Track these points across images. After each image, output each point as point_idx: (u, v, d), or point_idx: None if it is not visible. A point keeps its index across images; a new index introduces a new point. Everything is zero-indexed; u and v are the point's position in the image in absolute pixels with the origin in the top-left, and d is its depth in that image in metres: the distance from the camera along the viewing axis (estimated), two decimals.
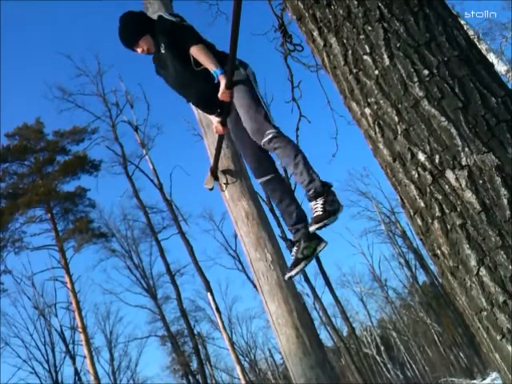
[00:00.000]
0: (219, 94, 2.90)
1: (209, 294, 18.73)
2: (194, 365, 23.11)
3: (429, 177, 1.47)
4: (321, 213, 2.60)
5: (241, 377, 19.53)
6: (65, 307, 22.40)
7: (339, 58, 1.69)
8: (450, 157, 1.44)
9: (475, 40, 11.18)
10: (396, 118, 1.54)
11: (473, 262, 1.39)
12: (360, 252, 35.78)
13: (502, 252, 1.34)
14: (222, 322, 18.90)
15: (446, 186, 1.44)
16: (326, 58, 1.77)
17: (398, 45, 1.56)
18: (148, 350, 60.86)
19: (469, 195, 1.40)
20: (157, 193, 22.07)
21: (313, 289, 20.85)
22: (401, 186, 1.57)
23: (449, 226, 1.44)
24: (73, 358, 21.44)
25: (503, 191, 1.36)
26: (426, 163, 1.48)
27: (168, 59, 3.11)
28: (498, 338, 1.36)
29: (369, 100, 1.61)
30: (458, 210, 1.42)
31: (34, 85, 41.65)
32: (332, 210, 2.61)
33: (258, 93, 2.96)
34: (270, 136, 2.75)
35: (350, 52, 1.65)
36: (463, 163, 1.41)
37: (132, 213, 28.64)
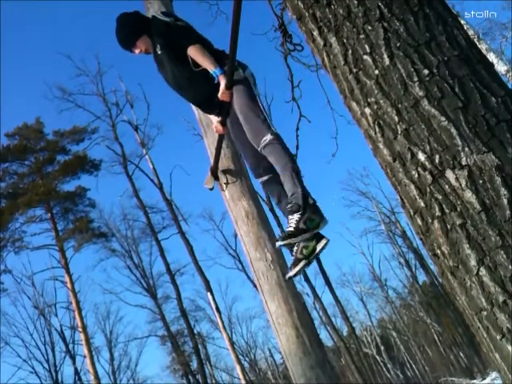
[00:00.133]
0: (219, 94, 2.90)
1: (209, 293, 18.74)
2: (194, 364, 23.14)
3: (429, 177, 1.47)
4: (292, 229, 2.60)
5: (241, 376, 19.54)
6: (65, 307, 22.43)
7: (339, 57, 1.69)
8: (450, 157, 1.43)
9: (475, 40, 11.18)
10: (396, 118, 1.54)
11: (473, 262, 1.39)
12: (360, 252, 35.78)
13: (502, 252, 1.34)
14: (222, 322, 18.91)
15: (446, 186, 1.44)
16: (325, 58, 1.77)
17: (398, 44, 1.56)
18: (148, 350, 60.93)
19: (469, 195, 1.40)
20: (157, 192, 22.09)
21: (313, 288, 20.85)
22: (401, 186, 1.57)
23: (449, 226, 1.44)
24: (73, 358, 21.45)
25: (503, 191, 1.36)
26: (426, 163, 1.48)
27: (164, 60, 3.10)
28: (498, 337, 1.36)
29: (369, 100, 1.61)
30: (458, 209, 1.41)
31: (34, 85, 41.69)
32: (304, 229, 2.60)
33: (256, 94, 2.96)
34: (265, 143, 2.76)
35: (349, 52, 1.65)
36: (463, 163, 1.41)
37: (132, 212, 28.61)
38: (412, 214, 1.56)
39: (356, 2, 1.64)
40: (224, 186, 3.89)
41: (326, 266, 21.97)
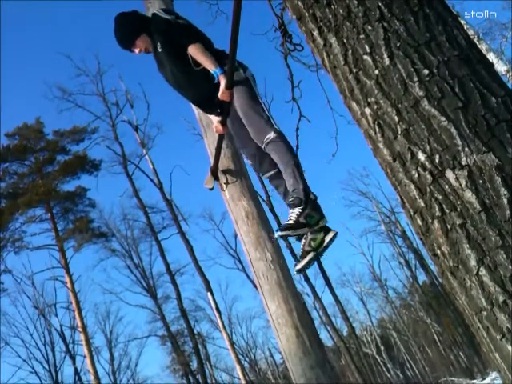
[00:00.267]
0: (219, 94, 2.89)
1: (209, 293, 18.74)
2: (194, 364, 23.14)
3: (429, 177, 1.47)
4: (292, 222, 2.61)
5: (241, 376, 19.54)
6: (65, 307, 22.43)
7: (339, 57, 1.69)
8: (450, 157, 1.44)
9: (475, 40, 11.18)
10: (396, 118, 1.54)
11: (473, 262, 1.39)
12: (360, 252, 35.78)
13: (502, 252, 1.34)
14: (222, 322, 18.91)
15: (446, 186, 1.44)
16: (325, 58, 1.77)
17: (398, 44, 1.56)
18: (148, 350, 60.94)
19: (469, 195, 1.40)
20: (157, 192, 22.10)
21: (313, 288, 20.84)
22: (401, 186, 1.57)
23: (449, 226, 1.44)
24: (73, 358, 21.45)
25: (503, 191, 1.36)
26: (426, 163, 1.48)
27: (165, 58, 3.08)
28: (498, 337, 1.36)
29: (369, 100, 1.61)
30: (458, 209, 1.41)
31: (34, 85, 41.70)
32: (303, 223, 2.60)
33: (257, 93, 2.96)
34: (268, 140, 2.78)
35: (349, 52, 1.65)
36: (463, 163, 1.41)
37: (132, 212, 28.63)
38: (412, 213, 1.56)
39: (356, 1, 1.64)
40: (224, 185, 3.89)
41: (326, 266, 21.97)
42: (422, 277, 33.13)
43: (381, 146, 1.60)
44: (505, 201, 1.35)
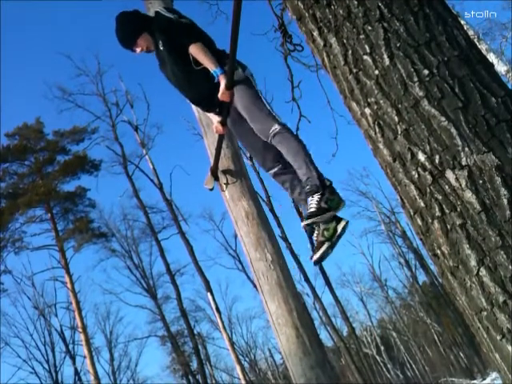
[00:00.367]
0: (219, 95, 2.90)
1: (209, 293, 18.74)
2: (194, 365, 23.13)
3: (429, 177, 1.47)
4: (314, 209, 2.62)
5: (241, 377, 19.53)
6: (65, 307, 22.42)
7: (339, 57, 1.69)
8: (450, 157, 1.44)
9: (475, 40, 11.18)
10: (396, 118, 1.54)
11: (473, 262, 1.39)
12: (360, 252, 35.78)
13: (502, 252, 1.34)
14: (222, 322, 18.91)
15: (446, 186, 1.44)
16: (325, 58, 1.77)
17: (398, 45, 1.56)
18: (148, 350, 60.92)
19: (469, 195, 1.40)
20: (157, 193, 22.08)
21: (313, 289, 20.85)
22: (401, 186, 1.57)
23: (449, 226, 1.44)
24: (73, 358, 21.44)
25: (503, 191, 1.36)
26: (426, 163, 1.48)
27: (166, 57, 3.09)
28: (498, 338, 1.36)
29: (369, 100, 1.61)
30: (458, 209, 1.42)
31: (34, 85, 41.69)
32: (326, 208, 2.62)
33: (258, 90, 2.96)
34: (273, 132, 2.79)
35: (349, 52, 1.65)
36: (463, 163, 1.41)
37: (132, 213, 28.62)
38: (412, 214, 1.56)
39: (356, 2, 1.64)
40: (224, 186, 3.89)
41: (326, 266, 21.99)
42: (422, 277, 33.16)
43: (381, 146, 1.60)
44: (505, 201, 1.35)
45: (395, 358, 36.82)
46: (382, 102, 1.57)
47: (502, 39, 13.03)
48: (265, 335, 38.00)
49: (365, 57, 1.61)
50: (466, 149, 1.41)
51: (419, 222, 1.53)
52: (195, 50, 2.92)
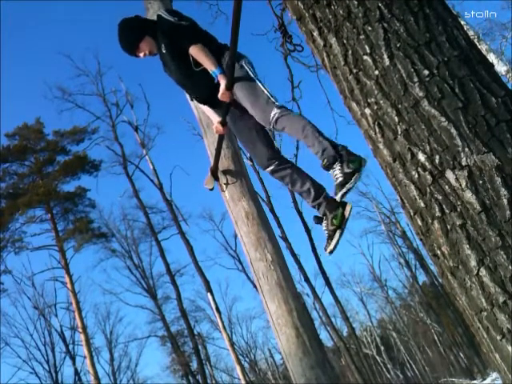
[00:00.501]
0: (219, 95, 2.91)
1: (209, 294, 18.74)
2: (194, 365, 23.14)
3: (429, 177, 1.47)
4: (341, 178, 2.59)
5: (241, 377, 19.53)
6: (65, 307, 22.43)
7: (339, 58, 1.69)
8: (450, 157, 1.44)
9: (475, 40, 11.18)
10: (396, 118, 1.54)
11: (473, 262, 1.39)
12: (360, 252, 35.88)
13: (502, 252, 1.34)
14: (222, 322, 18.90)
15: (446, 186, 1.44)
16: (326, 58, 1.77)
17: (398, 45, 1.56)
18: (148, 350, 60.94)
19: (469, 195, 1.40)
20: (157, 193, 22.13)
21: (313, 289, 20.85)
22: (401, 186, 1.57)
23: (449, 226, 1.44)
24: (73, 358, 21.45)
25: (503, 191, 1.36)
26: (426, 163, 1.48)
27: (169, 59, 3.13)
28: (498, 338, 1.36)
29: (369, 100, 1.61)
30: (458, 210, 1.42)
31: (33, 85, 41.74)
32: (351, 171, 2.57)
33: (253, 75, 2.94)
34: (274, 119, 2.77)
35: (350, 52, 1.65)
36: (463, 163, 1.41)
37: (132, 213, 28.69)
38: (412, 214, 1.56)
39: (356, 2, 1.64)
40: (224, 186, 3.89)
41: (325, 267, 21.99)
42: (421, 277, 33.17)
43: (381, 146, 1.60)
44: (505, 201, 1.35)
45: (395, 358, 36.82)
46: (382, 102, 1.57)
47: (501, 39, 13.03)
48: (265, 335, 38.02)
49: (365, 57, 1.61)
50: (466, 149, 1.41)
51: (419, 222, 1.53)
52: (195, 52, 2.95)
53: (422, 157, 1.48)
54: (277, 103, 2.82)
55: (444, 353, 33.07)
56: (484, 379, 22.59)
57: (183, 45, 2.99)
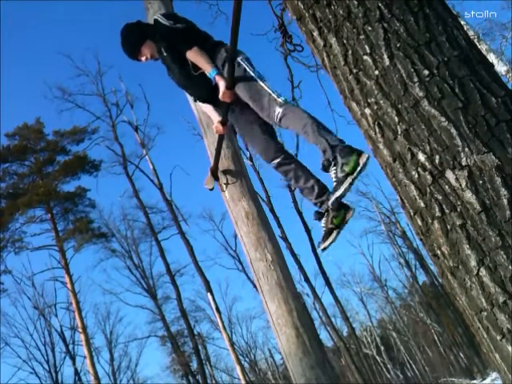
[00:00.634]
0: (220, 96, 2.92)
1: (209, 294, 18.74)
2: (194, 365, 23.14)
3: (429, 177, 1.47)
4: (334, 183, 2.58)
5: (241, 377, 19.53)
6: (65, 307, 22.43)
7: (339, 58, 1.69)
8: (450, 157, 1.44)
9: (475, 40, 11.18)
10: (396, 118, 1.54)
11: (473, 262, 1.39)
12: (360, 252, 35.87)
13: (502, 252, 1.34)
14: (222, 322, 18.90)
15: (446, 186, 1.44)
16: (326, 58, 1.77)
17: (398, 45, 1.56)
18: (148, 350, 60.95)
19: (469, 195, 1.40)
20: (157, 193, 22.13)
21: (313, 289, 20.85)
22: (401, 186, 1.57)
23: (449, 226, 1.44)
24: (73, 358, 21.45)
25: (503, 191, 1.36)
26: (426, 163, 1.48)
27: (170, 62, 3.16)
28: (498, 338, 1.36)
29: (369, 100, 1.61)
30: (458, 210, 1.42)
31: (33, 85, 41.73)
32: (344, 175, 2.53)
33: (254, 74, 2.93)
34: (277, 118, 2.77)
35: (350, 52, 1.65)
36: (463, 163, 1.41)
37: (132, 213, 28.69)
38: (412, 214, 1.56)
39: (356, 2, 1.64)
40: (224, 186, 3.89)
41: (325, 267, 21.98)
42: (422, 277, 33.17)
43: (381, 146, 1.60)
44: (505, 201, 1.35)
45: (395, 358, 36.82)
46: (382, 102, 1.57)
47: (501, 39, 13.03)
48: (265, 335, 38.02)
49: (365, 57, 1.61)
50: (466, 149, 1.41)
51: (419, 222, 1.53)
52: (191, 56, 2.99)
53: (422, 157, 1.48)
54: (278, 99, 2.79)
55: (444, 353, 33.07)
56: (484, 379, 22.59)
57: (180, 48, 3.02)
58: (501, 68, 11.51)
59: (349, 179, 2.52)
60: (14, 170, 23.89)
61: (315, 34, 1.77)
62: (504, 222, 1.34)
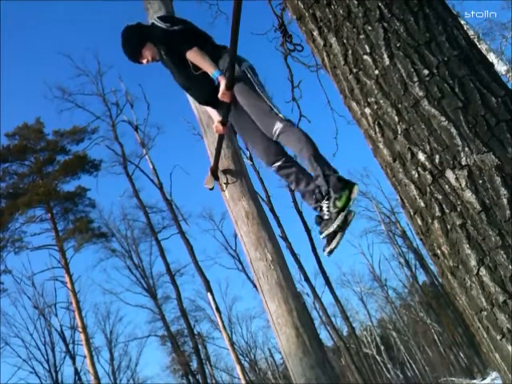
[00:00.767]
0: (219, 95, 2.92)
1: (209, 293, 18.74)
2: (194, 364, 23.14)
3: (429, 177, 1.47)
4: (326, 217, 2.63)
5: (241, 376, 19.53)
6: (65, 307, 22.44)
7: (339, 57, 1.69)
8: (450, 156, 1.43)
9: (475, 40, 11.18)
10: (396, 118, 1.54)
11: (473, 262, 1.39)
12: (360, 252, 35.85)
13: (502, 252, 1.34)
14: (222, 322, 18.91)
15: (446, 186, 1.44)
16: (325, 58, 1.77)
17: (398, 44, 1.56)
18: (148, 350, 60.90)
19: (469, 195, 1.40)
20: (157, 192, 22.11)
21: (313, 288, 20.85)
22: (401, 186, 1.57)
23: (449, 226, 1.44)
24: (73, 358, 21.45)
25: (503, 191, 1.36)
26: (426, 163, 1.48)
27: (170, 64, 3.16)
28: (498, 337, 1.36)
29: (369, 100, 1.61)
30: (458, 209, 1.41)
31: (33, 85, 41.72)
32: (337, 211, 2.60)
33: (256, 86, 2.94)
34: (277, 133, 2.80)
35: (350, 52, 1.65)
36: (463, 163, 1.41)
37: (132, 213, 28.67)
38: (412, 214, 1.56)
39: (356, 2, 1.64)
40: (224, 186, 3.89)
41: (326, 266, 21.99)
42: (422, 277, 33.17)
43: (381, 146, 1.60)
44: (505, 201, 1.35)
45: (395, 358, 36.82)
46: (382, 101, 1.57)
47: (501, 39, 13.03)
48: (265, 335, 38.02)
49: (365, 57, 1.61)
50: (466, 149, 1.41)
51: (419, 221, 1.53)
52: (192, 56, 2.98)
53: (421, 156, 1.48)
54: (280, 115, 2.83)
55: (444, 352, 33.08)
56: (484, 379, 22.60)
57: (180, 50, 3.01)
58: (501, 68, 11.51)
59: (341, 216, 2.59)
60: (13, 169, 23.92)
61: (315, 33, 1.77)
62: (504, 222, 1.34)
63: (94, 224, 24.43)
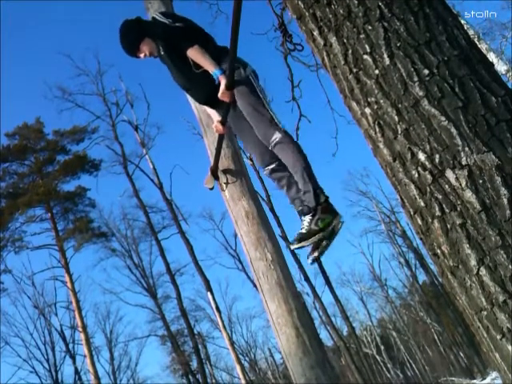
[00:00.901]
0: (219, 95, 2.91)
1: (209, 293, 18.75)
2: (194, 364, 23.14)
3: (429, 176, 1.47)
4: (304, 231, 2.63)
5: (241, 376, 19.54)
6: (65, 306, 22.45)
7: (339, 57, 1.69)
8: (450, 156, 1.43)
9: (475, 40, 11.18)
10: (396, 118, 1.54)
11: (473, 262, 1.39)
12: (360, 251, 35.83)
13: (502, 252, 1.34)
14: (222, 322, 18.91)
15: (446, 186, 1.44)
16: (326, 58, 1.77)
17: (398, 44, 1.56)
18: (148, 350, 60.89)
19: (469, 195, 1.40)
20: (157, 192, 22.09)
21: (313, 288, 20.86)
22: (401, 186, 1.57)
23: (449, 226, 1.44)
24: (73, 358, 21.46)
25: (503, 191, 1.36)
26: (426, 163, 1.48)
27: (168, 61, 3.13)
28: (498, 337, 1.36)
29: (369, 99, 1.61)
30: (458, 209, 1.41)
31: (34, 85, 41.73)
32: (316, 230, 2.62)
33: (259, 93, 2.95)
34: (274, 142, 2.81)
35: (350, 51, 1.65)
36: (463, 163, 1.41)
37: (132, 212, 28.59)
38: (412, 213, 1.56)
39: (356, 1, 1.64)
40: (224, 185, 3.89)
41: (326, 266, 21.99)
42: (421, 276, 33.18)
43: (381, 145, 1.60)
44: (505, 200, 1.35)
45: (395, 358, 36.83)
46: (382, 101, 1.57)
47: (501, 39, 13.03)
48: (265, 335, 38.03)
49: (365, 56, 1.61)
50: (466, 148, 1.41)
51: (419, 221, 1.53)
52: (193, 54, 2.95)
53: (422, 156, 1.48)
54: (280, 126, 2.84)
55: (444, 352, 33.09)
56: (484, 379, 22.61)
57: (180, 47, 2.98)
58: (501, 67, 11.51)
59: (318, 236, 2.62)
60: (13, 169, 23.93)
61: (315, 33, 1.77)
62: (504, 222, 1.34)
63: (94, 224, 24.47)
